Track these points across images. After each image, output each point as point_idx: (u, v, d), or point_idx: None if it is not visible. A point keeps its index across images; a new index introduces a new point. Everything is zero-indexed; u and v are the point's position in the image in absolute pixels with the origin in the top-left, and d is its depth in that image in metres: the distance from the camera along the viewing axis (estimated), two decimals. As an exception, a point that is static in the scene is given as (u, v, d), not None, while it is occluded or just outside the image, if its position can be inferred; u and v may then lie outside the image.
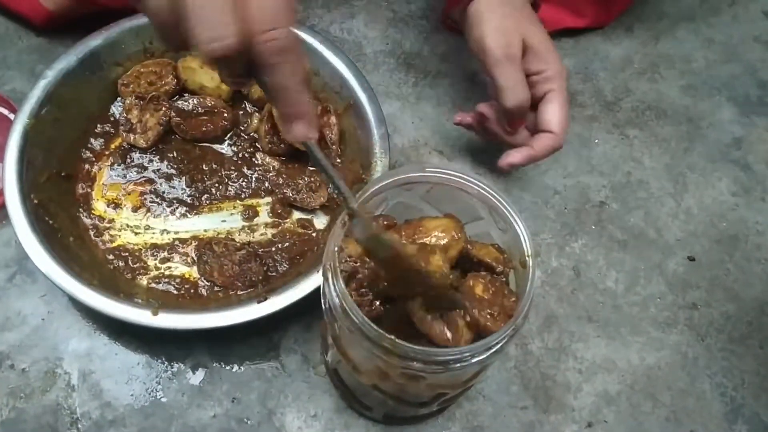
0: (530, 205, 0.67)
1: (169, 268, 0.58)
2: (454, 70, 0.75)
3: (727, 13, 0.83)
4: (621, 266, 0.65)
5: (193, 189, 0.62)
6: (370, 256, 0.42)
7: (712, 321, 0.63)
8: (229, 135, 0.65)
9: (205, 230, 0.60)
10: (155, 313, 0.50)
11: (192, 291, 0.57)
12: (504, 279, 0.45)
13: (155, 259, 0.58)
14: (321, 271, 0.43)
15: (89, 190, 0.61)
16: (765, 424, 0.58)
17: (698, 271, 0.65)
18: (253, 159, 0.64)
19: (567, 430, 0.56)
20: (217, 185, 0.62)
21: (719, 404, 0.59)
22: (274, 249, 0.59)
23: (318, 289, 0.48)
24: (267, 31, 0.34)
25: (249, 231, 0.61)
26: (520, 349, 0.59)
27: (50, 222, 0.55)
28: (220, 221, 0.61)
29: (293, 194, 0.61)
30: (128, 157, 0.63)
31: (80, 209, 0.60)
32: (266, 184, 0.63)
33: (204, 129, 0.63)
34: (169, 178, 0.62)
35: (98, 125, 0.63)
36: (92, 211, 0.60)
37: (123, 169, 0.62)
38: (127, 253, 0.58)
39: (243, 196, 0.62)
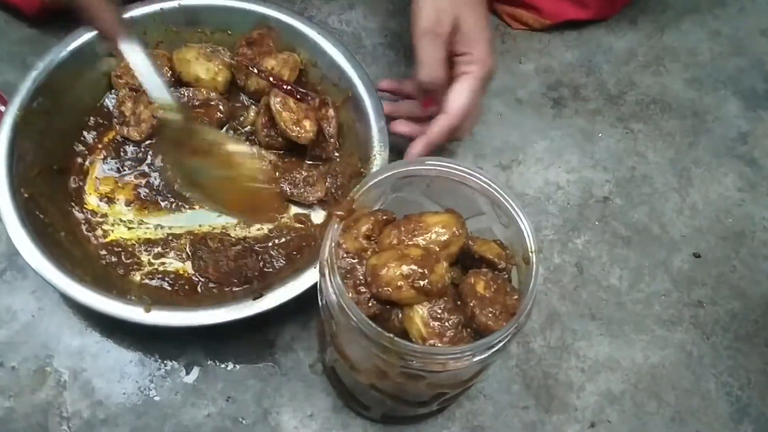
0: (532, 201, 0.66)
1: (163, 263, 0.57)
2: (455, 63, 0.74)
3: (733, 5, 0.82)
4: (625, 263, 0.64)
5: (188, 183, 0.61)
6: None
7: (717, 319, 0.62)
8: (225, 128, 0.64)
9: (200, 225, 0.59)
10: (148, 310, 0.50)
11: (186, 287, 0.56)
12: (506, 276, 0.44)
13: (149, 255, 0.57)
14: (318, 268, 0.42)
15: (82, 184, 0.60)
16: (772, 425, 0.57)
17: (704, 268, 0.64)
18: (250, 153, 0.63)
19: (569, 430, 0.56)
20: (212, 179, 0.61)
21: (725, 404, 0.58)
22: (270, 244, 0.59)
23: (315, 285, 0.47)
24: None
25: (245, 226, 0.60)
26: (521, 348, 0.58)
27: (41, 217, 0.54)
28: (215, 216, 0.60)
29: (290, 189, 0.60)
30: (122, 150, 0.62)
31: (72, 203, 0.59)
32: (263, 178, 0.62)
33: (199, 121, 0.62)
34: (163, 171, 0.61)
35: (91, 118, 0.62)
36: (85, 206, 0.59)
37: (116, 163, 0.61)
38: (120, 249, 0.57)
39: (239, 190, 0.61)
